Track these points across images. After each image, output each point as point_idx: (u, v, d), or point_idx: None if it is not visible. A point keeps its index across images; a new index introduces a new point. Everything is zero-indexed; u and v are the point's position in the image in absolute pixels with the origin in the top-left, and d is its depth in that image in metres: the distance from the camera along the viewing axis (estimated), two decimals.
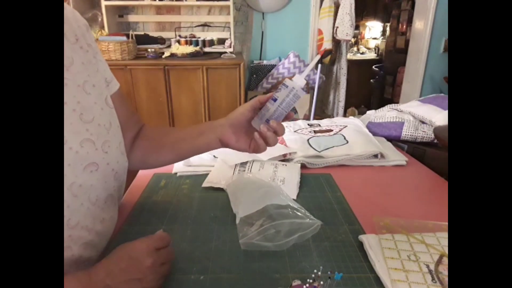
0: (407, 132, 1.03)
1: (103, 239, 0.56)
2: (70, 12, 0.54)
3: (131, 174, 0.74)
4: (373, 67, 4.38)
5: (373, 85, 4.34)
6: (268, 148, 0.60)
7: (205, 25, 2.71)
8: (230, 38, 2.57)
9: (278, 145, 0.96)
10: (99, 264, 0.46)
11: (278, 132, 0.57)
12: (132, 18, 2.66)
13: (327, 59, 2.78)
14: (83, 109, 0.50)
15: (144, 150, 0.66)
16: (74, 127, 0.49)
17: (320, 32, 2.71)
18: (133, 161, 0.65)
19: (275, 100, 0.56)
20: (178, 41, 2.56)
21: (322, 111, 3.05)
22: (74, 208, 0.48)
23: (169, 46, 2.57)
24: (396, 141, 1.04)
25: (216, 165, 0.85)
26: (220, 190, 0.73)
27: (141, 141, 0.67)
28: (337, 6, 2.61)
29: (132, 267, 0.45)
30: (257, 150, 0.60)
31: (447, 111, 1.02)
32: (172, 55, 2.33)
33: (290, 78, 0.56)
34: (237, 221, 0.58)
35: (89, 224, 0.51)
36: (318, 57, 0.62)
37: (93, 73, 0.55)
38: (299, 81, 0.55)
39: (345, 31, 2.56)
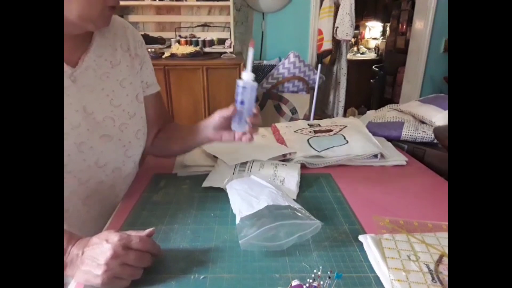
0: (407, 132, 1.03)
1: (90, 209, 0.67)
2: (131, 30, 0.74)
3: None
4: (373, 67, 4.38)
5: (373, 85, 4.34)
6: (268, 148, 0.66)
7: (205, 25, 2.71)
8: (230, 38, 2.57)
9: (278, 145, 0.96)
10: (86, 238, 0.51)
11: (257, 123, 0.67)
12: (132, 18, 2.66)
13: (327, 59, 2.78)
14: (114, 96, 0.67)
15: (161, 141, 0.83)
16: (103, 107, 0.65)
17: (320, 32, 2.71)
18: (155, 149, 0.84)
19: (243, 103, 0.65)
20: (178, 41, 2.56)
21: (322, 111, 3.05)
22: (74, 159, 0.61)
23: (169, 46, 2.56)
24: (396, 141, 1.04)
25: (216, 165, 0.85)
26: (220, 190, 0.73)
27: (161, 133, 0.83)
28: (337, 6, 2.61)
29: (96, 249, 0.47)
30: (250, 140, 0.69)
31: (447, 111, 1.02)
32: (172, 55, 2.33)
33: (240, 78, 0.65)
34: (237, 221, 0.58)
35: (83, 177, 0.63)
36: (252, 49, 0.65)
37: (133, 74, 0.72)
38: (250, 76, 0.64)
39: (345, 31, 2.56)
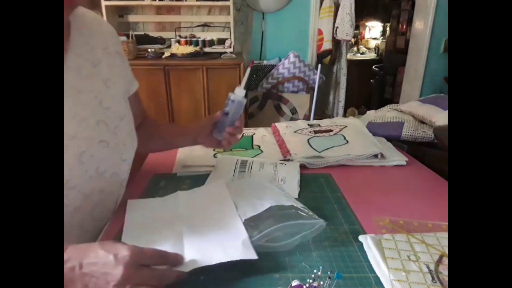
0: (407, 132, 1.03)
1: (96, 222, 0.63)
2: (106, 25, 0.69)
3: (132, 173, 0.74)
4: (373, 67, 4.38)
5: (373, 85, 4.34)
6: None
7: (205, 25, 2.71)
8: (230, 38, 2.57)
9: (277, 150, 0.96)
10: (80, 245, 0.43)
11: (236, 133, 0.74)
12: (132, 18, 2.66)
13: (327, 59, 2.78)
14: (102, 98, 0.62)
15: (141, 137, 0.76)
16: (94, 110, 0.60)
17: (320, 32, 2.71)
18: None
19: (227, 113, 0.70)
20: (178, 41, 2.56)
21: (322, 111, 3.05)
22: (76, 173, 0.55)
23: (169, 46, 2.56)
24: (396, 141, 1.04)
25: (216, 165, 0.85)
26: None
27: (141, 130, 0.78)
28: (337, 6, 2.61)
29: (102, 266, 0.40)
30: (225, 147, 0.80)
31: (447, 111, 1.02)
32: (172, 55, 2.33)
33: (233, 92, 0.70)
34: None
35: (86, 190, 0.58)
36: (249, 69, 0.75)
37: (116, 73, 0.67)
38: (241, 93, 0.69)
39: (345, 31, 2.57)
